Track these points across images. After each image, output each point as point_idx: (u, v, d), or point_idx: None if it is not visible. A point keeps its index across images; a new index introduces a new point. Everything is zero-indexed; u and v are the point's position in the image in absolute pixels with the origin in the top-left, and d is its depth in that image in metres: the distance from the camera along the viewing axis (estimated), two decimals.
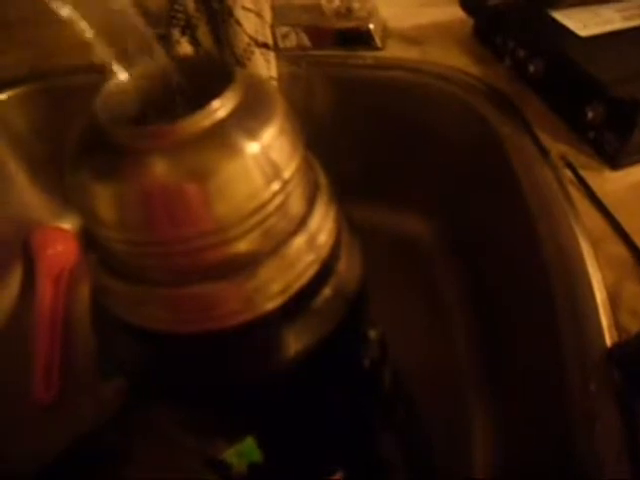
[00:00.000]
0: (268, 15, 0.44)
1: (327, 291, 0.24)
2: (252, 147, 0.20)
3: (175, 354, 0.24)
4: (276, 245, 0.22)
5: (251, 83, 0.22)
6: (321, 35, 0.52)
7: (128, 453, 0.41)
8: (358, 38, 0.52)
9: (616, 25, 0.43)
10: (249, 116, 0.21)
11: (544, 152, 0.38)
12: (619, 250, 0.32)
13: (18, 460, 0.41)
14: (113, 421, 0.42)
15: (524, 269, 0.37)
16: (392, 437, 0.34)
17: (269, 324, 0.23)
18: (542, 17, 0.45)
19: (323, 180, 0.26)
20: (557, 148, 0.39)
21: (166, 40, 0.44)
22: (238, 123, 0.20)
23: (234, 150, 0.20)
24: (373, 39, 0.52)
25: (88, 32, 0.20)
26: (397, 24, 0.55)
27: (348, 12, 0.52)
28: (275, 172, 0.21)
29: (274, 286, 0.22)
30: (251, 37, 0.43)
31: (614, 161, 0.37)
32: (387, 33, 0.54)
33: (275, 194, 0.21)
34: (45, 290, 0.54)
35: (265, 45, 0.44)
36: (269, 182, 0.21)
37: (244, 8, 0.42)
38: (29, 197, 0.58)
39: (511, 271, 0.40)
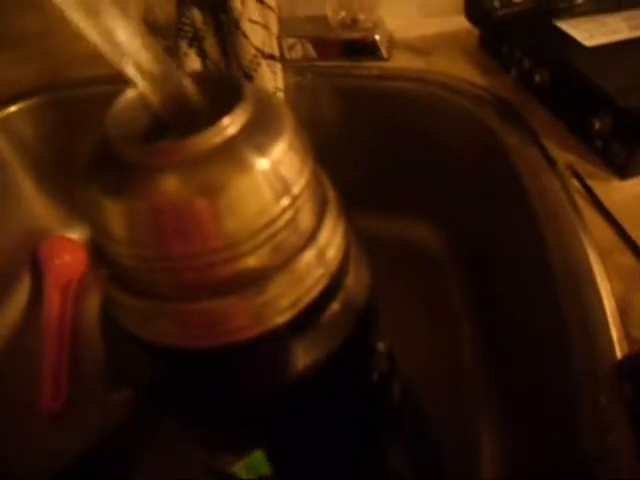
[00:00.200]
0: (275, 27, 0.44)
1: (336, 305, 0.24)
2: (262, 163, 0.20)
3: (184, 368, 0.24)
4: (285, 260, 0.22)
5: (260, 98, 0.23)
6: (327, 46, 0.52)
7: (135, 464, 0.41)
8: (364, 49, 0.52)
9: (623, 35, 0.43)
10: (259, 132, 0.21)
11: (551, 162, 0.38)
12: (628, 260, 0.31)
13: (25, 469, 0.41)
14: (120, 431, 0.42)
15: (531, 279, 0.36)
16: (400, 450, 0.34)
17: (278, 339, 0.23)
18: (548, 27, 0.45)
19: (331, 194, 0.26)
20: (564, 158, 0.38)
21: (174, 52, 0.44)
22: (248, 139, 0.20)
23: (244, 166, 0.20)
24: (379, 50, 0.52)
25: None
26: (403, 35, 0.56)
27: (354, 23, 0.52)
28: (285, 187, 0.21)
29: (283, 301, 0.22)
30: (257, 49, 0.43)
31: (622, 171, 0.37)
32: (393, 44, 0.54)
33: (285, 209, 0.21)
34: (53, 300, 0.54)
35: (271, 56, 0.45)
36: (279, 197, 0.21)
37: (251, 20, 0.42)
38: (37, 207, 0.59)
39: (518, 281, 0.40)
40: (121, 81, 0.21)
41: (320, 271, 0.23)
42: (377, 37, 0.52)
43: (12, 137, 0.55)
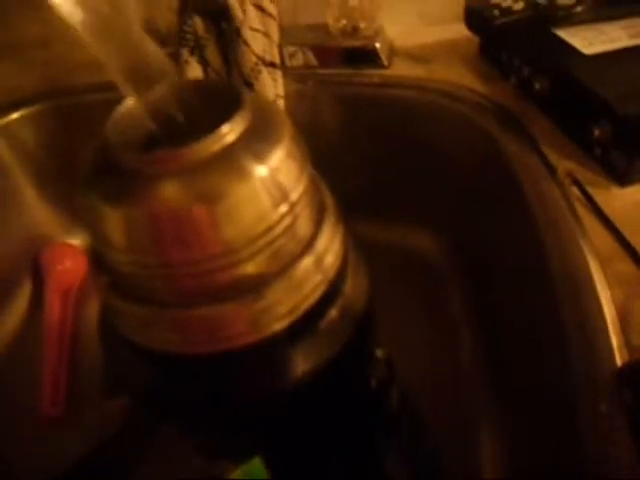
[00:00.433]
0: (276, 35, 0.45)
1: (334, 312, 0.24)
2: (260, 170, 0.20)
3: (183, 374, 0.24)
4: (284, 266, 0.22)
5: (259, 106, 0.23)
6: (328, 54, 0.53)
7: (133, 471, 0.40)
8: (364, 57, 0.52)
9: (622, 43, 0.43)
10: (257, 140, 0.21)
11: (551, 169, 0.38)
12: (628, 268, 0.31)
13: (24, 475, 0.41)
14: (118, 438, 0.42)
15: (531, 286, 0.36)
16: (398, 457, 0.33)
17: (276, 345, 0.23)
18: (547, 35, 0.46)
19: (329, 201, 0.26)
20: (564, 165, 0.39)
21: (175, 59, 0.45)
22: (247, 147, 0.21)
23: (243, 174, 0.20)
24: (379, 58, 0.52)
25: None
26: (403, 43, 0.56)
27: (354, 31, 0.53)
28: (283, 194, 0.21)
29: (281, 307, 0.22)
30: (258, 57, 0.43)
31: (621, 178, 0.37)
32: (393, 52, 0.55)
33: (283, 216, 0.21)
34: (53, 306, 0.54)
35: (272, 64, 0.45)
36: (277, 204, 0.21)
37: (252, 28, 0.43)
38: (39, 214, 0.59)
39: (518, 289, 0.40)
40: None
41: (318, 278, 0.23)
42: (378, 45, 0.52)
43: (14, 144, 0.55)
